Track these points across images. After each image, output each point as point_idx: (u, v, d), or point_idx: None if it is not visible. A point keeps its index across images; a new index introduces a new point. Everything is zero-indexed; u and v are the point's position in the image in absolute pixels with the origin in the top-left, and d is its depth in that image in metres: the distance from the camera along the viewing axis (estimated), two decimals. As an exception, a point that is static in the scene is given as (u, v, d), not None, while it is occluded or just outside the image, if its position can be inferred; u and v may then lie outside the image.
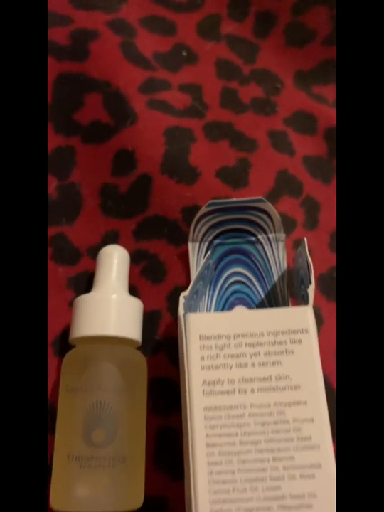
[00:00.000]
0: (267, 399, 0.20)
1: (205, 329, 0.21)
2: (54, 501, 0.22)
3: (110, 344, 0.24)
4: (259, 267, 0.27)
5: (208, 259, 0.24)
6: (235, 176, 0.29)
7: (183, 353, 0.21)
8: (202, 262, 0.26)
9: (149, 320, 0.27)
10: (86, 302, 0.24)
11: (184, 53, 0.33)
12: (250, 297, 0.27)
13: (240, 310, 0.22)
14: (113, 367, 0.23)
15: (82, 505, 0.21)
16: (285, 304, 0.26)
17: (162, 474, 0.24)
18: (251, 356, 0.21)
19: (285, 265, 0.27)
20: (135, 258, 0.27)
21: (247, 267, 0.27)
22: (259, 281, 0.27)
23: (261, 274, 0.27)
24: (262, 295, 0.27)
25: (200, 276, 0.24)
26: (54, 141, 0.30)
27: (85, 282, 0.28)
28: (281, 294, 0.27)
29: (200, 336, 0.21)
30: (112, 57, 0.31)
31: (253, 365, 0.20)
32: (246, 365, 0.20)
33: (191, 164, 0.29)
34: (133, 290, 0.27)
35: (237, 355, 0.21)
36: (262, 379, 0.20)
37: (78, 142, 0.30)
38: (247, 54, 0.34)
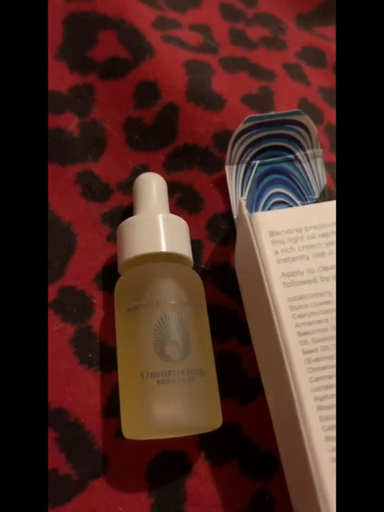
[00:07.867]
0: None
1: (274, 225, 0.20)
2: (129, 430, 0.20)
3: (166, 262, 0.22)
4: (300, 186, 0.26)
5: (255, 174, 0.24)
6: (261, 102, 0.28)
7: (254, 254, 0.20)
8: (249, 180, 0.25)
9: (192, 250, 0.25)
10: (133, 224, 0.23)
11: None
12: (293, 217, 0.26)
13: (307, 206, 0.21)
14: (175, 282, 0.21)
15: (163, 425, 0.19)
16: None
17: (229, 400, 0.23)
18: (326, 245, 0.20)
19: (324, 181, 0.26)
20: (169, 190, 0.26)
21: (288, 187, 0.26)
22: (300, 199, 0.26)
23: (302, 192, 0.26)
24: (306, 213, 0.26)
25: (250, 189, 0.23)
26: (70, 79, 0.28)
27: (121, 217, 0.26)
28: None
29: (270, 233, 0.20)
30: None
31: (330, 253, 0.20)
32: (323, 254, 0.20)
33: (216, 92, 0.28)
34: (171, 221, 0.25)
35: (312, 246, 0.20)
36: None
37: (96, 79, 0.28)
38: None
